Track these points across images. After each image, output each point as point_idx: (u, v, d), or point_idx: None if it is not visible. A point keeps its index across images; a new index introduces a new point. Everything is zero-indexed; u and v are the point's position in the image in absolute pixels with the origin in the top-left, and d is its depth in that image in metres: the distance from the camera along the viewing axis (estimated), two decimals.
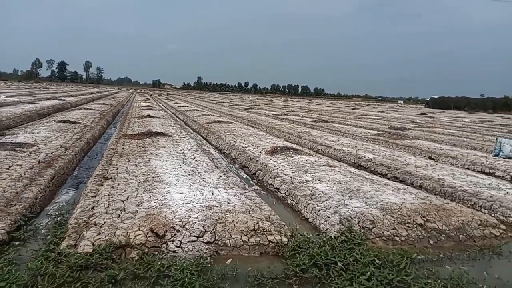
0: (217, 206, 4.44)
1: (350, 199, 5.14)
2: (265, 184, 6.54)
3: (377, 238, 4.20)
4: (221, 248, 3.71)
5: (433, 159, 10.07)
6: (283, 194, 5.81)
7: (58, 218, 4.15)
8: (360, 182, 6.04)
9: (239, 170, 7.79)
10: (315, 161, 7.79)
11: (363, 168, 8.54)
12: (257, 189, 6.33)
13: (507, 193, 6.12)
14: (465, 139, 13.80)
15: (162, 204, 4.35)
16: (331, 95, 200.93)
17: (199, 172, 6.21)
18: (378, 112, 38.80)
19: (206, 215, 4.09)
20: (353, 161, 9.11)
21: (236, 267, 3.34)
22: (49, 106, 18.07)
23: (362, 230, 4.24)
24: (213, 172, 6.34)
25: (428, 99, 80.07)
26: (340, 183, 5.91)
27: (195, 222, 3.88)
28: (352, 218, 4.42)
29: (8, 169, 5.50)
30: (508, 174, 8.20)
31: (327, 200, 5.11)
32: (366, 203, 4.93)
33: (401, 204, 4.88)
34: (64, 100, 24.56)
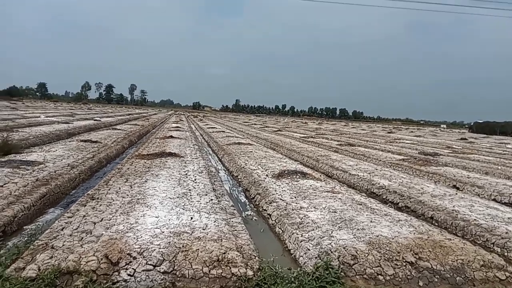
0: (188, 233, 4.21)
1: (339, 230, 4.73)
2: (260, 210, 6.25)
3: (357, 276, 3.78)
4: (178, 279, 3.46)
5: (458, 188, 9.33)
6: (273, 221, 5.49)
7: (26, 239, 4.10)
8: (357, 211, 5.60)
9: (240, 194, 7.55)
10: (321, 186, 7.40)
11: (375, 195, 8.03)
12: (249, 214, 6.05)
13: None
14: (499, 167, 12.77)
15: (130, 228, 4.19)
16: (370, 118, 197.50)
17: (190, 195, 6.03)
18: (415, 136, 37.25)
19: (170, 242, 3.87)
20: (365, 187, 8.60)
21: None
22: (81, 126, 18.83)
23: (342, 266, 3.84)
24: (206, 195, 6.15)
25: (472, 124, 76.20)
26: (335, 212, 5.51)
27: (154, 250, 3.67)
28: (332, 252, 4.03)
29: (1, 186, 5.60)
30: None
31: (313, 230, 4.74)
32: (354, 235, 4.51)
33: (393, 238, 4.41)
34: (100, 120, 25.59)
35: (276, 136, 22.70)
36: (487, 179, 9.92)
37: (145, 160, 9.22)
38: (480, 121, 73.29)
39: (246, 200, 7.03)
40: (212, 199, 5.89)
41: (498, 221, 5.78)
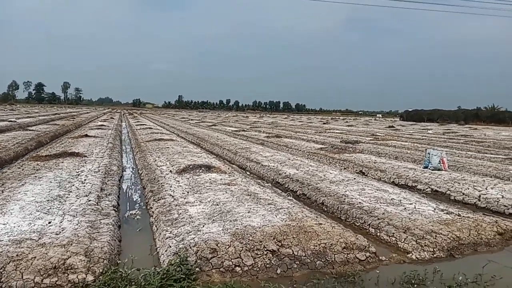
0: (33, 239, 3.81)
1: (212, 223, 4.58)
2: (148, 208, 5.95)
3: (213, 270, 3.63)
4: None
5: (363, 173, 9.67)
6: (153, 219, 5.22)
7: None
8: (242, 202, 5.50)
9: (136, 192, 7.19)
10: (221, 179, 7.24)
11: (279, 184, 8.06)
12: (133, 214, 5.71)
13: (405, 209, 5.66)
14: (409, 151, 13.51)
15: None
16: (312, 110, 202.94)
17: (66, 197, 5.58)
18: (347, 126, 38.73)
19: (1, 252, 3.46)
20: (272, 177, 8.61)
21: None
22: None
23: (199, 261, 3.67)
24: (86, 196, 5.71)
25: (403, 112, 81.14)
26: (218, 204, 5.36)
27: None
28: (191, 247, 3.84)
29: None
30: (429, 187, 7.82)
31: (184, 225, 4.53)
32: (223, 227, 4.37)
33: (260, 227, 4.33)
34: (15, 121, 23.62)
35: (206, 131, 22.37)
36: (392, 163, 10.39)
37: (39, 162, 8.51)
38: (410, 110, 78.18)
39: (139, 198, 6.69)
40: (90, 200, 5.48)
41: (380, 203, 5.97)
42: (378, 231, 4.99)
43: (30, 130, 17.33)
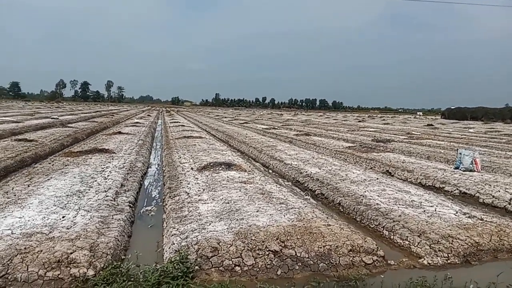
0: (44, 233, 3.98)
1: (219, 221, 4.58)
2: (163, 204, 6.06)
3: (213, 269, 3.63)
4: (9, 283, 3.24)
5: (390, 173, 9.36)
6: (165, 216, 5.30)
7: None
8: (253, 201, 5.47)
9: (156, 188, 7.34)
10: (239, 177, 7.25)
11: (299, 183, 7.95)
12: (149, 210, 5.85)
13: (424, 211, 5.41)
14: (443, 151, 12.90)
15: None
16: (350, 108, 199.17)
17: (86, 192, 5.79)
18: (384, 124, 37.63)
19: (11, 244, 3.64)
20: (293, 176, 8.52)
21: None
22: (32, 125, 18.23)
23: (199, 260, 3.69)
24: (105, 192, 5.90)
25: (444, 110, 77.67)
26: (229, 203, 5.36)
27: None
28: (192, 245, 3.87)
29: None
30: (457, 189, 7.44)
31: (192, 222, 4.57)
32: (228, 226, 4.37)
33: (265, 227, 4.29)
34: (57, 118, 24.88)
35: (236, 128, 22.50)
36: (421, 163, 9.97)
37: (69, 158, 8.90)
38: (453, 107, 74.67)
39: (158, 195, 6.83)
40: (107, 196, 5.66)
41: (399, 205, 5.74)
42: (392, 234, 4.80)
43: (69, 127, 18.19)
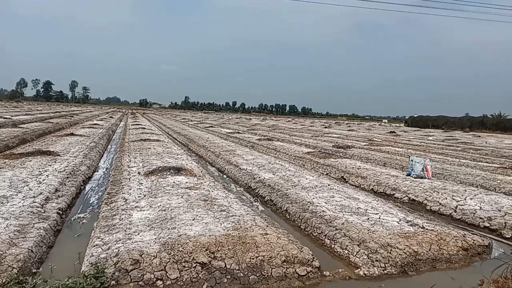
0: None
1: (149, 230, 4.27)
2: (99, 212, 5.65)
3: (131, 284, 3.32)
4: None
5: (344, 179, 9.33)
6: (95, 224, 4.92)
7: None
8: (192, 208, 5.18)
9: (97, 194, 6.91)
10: (186, 182, 6.95)
11: (251, 189, 7.74)
12: (81, 217, 5.44)
13: (368, 219, 5.31)
14: (399, 158, 13.10)
15: None
16: (318, 114, 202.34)
17: (11, 198, 5.29)
18: (348, 130, 38.26)
19: None
20: (246, 181, 8.30)
21: None
22: None
23: (117, 273, 3.37)
24: (34, 197, 5.43)
25: (407, 118, 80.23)
26: (166, 210, 5.05)
27: None
28: (111, 258, 3.54)
29: None
30: (407, 196, 7.46)
31: (119, 232, 4.24)
32: (157, 236, 4.07)
33: (196, 237, 4.02)
34: (10, 118, 23.53)
35: (199, 132, 22.10)
36: (375, 170, 10.02)
37: (7, 160, 8.28)
38: (415, 115, 77.20)
39: (96, 201, 6.41)
40: (35, 202, 5.21)
41: (345, 212, 5.63)
42: (333, 243, 4.66)
43: (20, 127, 17.19)
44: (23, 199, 5.31)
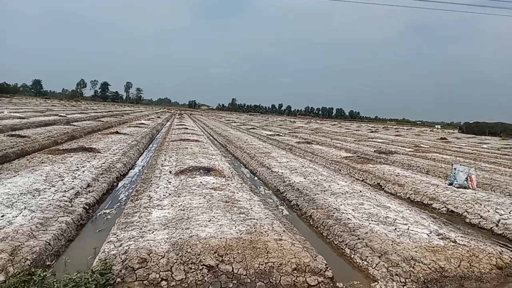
0: None
1: (164, 229, 4.29)
2: (124, 207, 5.80)
3: (136, 282, 3.33)
4: None
5: (381, 186, 8.92)
6: (117, 220, 5.03)
7: None
8: (211, 209, 5.15)
9: (127, 191, 7.10)
10: (213, 183, 6.95)
11: (279, 192, 7.60)
12: (106, 213, 5.59)
13: (395, 229, 5.00)
14: (444, 166, 12.31)
15: None
16: (367, 118, 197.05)
17: (43, 192, 5.58)
18: (395, 136, 36.76)
19: None
20: (275, 184, 8.17)
21: None
22: (36, 122, 18.33)
23: (123, 271, 3.39)
24: (65, 192, 5.68)
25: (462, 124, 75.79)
26: (184, 210, 5.06)
27: None
28: (120, 255, 3.58)
29: None
30: (445, 206, 6.97)
31: (134, 229, 4.29)
32: (169, 235, 4.07)
33: (207, 239, 3.97)
34: (65, 116, 25.09)
35: (239, 134, 22.23)
36: (415, 178, 9.49)
37: (50, 155, 8.77)
38: (470, 121, 72.76)
39: (125, 197, 6.58)
40: (65, 196, 5.43)
41: (371, 221, 5.34)
42: (353, 253, 4.42)
43: (72, 125, 18.25)
44: (54, 193, 5.56)
